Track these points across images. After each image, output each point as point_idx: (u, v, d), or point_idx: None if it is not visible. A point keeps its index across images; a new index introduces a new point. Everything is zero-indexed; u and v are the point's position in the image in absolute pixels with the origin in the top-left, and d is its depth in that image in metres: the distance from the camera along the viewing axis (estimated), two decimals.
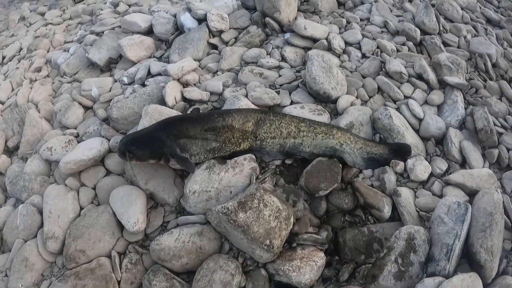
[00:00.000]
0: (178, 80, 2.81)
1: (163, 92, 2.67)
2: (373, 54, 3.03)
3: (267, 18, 3.26)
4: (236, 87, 2.75)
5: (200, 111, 2.56)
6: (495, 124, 2.56)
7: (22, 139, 2.77)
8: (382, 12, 3.51)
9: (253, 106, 2.49)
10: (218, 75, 2.96)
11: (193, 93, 2.68)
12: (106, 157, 2.44)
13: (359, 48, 3.10)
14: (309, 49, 3.11)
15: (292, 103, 2.64)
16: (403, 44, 3.15)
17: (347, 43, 3.14)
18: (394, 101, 2.69)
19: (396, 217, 2.11)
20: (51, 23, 4.04)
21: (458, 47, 3.24)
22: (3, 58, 3.80)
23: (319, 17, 3.54)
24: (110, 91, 3.07)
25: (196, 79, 2.86)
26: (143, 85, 2.98)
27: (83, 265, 2.02)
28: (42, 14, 4.28)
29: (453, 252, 1.75)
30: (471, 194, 2.15)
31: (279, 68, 2.95)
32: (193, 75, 2.88)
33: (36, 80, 3.37)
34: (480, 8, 3.74)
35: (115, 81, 3.13)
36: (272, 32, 3.31)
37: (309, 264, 1.89)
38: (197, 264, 1.96)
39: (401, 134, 2.36)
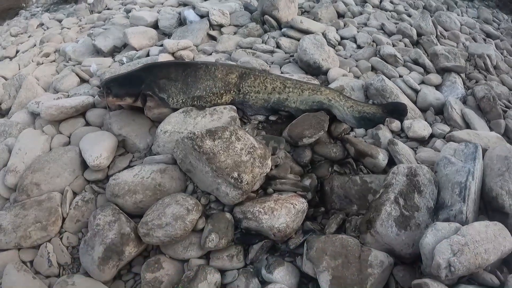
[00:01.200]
0: (173, 54, 2.73)
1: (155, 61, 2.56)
2: (367, 44, 2.91)
3: (266, 16, 3.27)
4: (225, 60, 2.62)
5: None
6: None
7: (15, 101, 2.66)
8: (380, 19, 3.49)
9: None
10: (212, 55, 2.87)
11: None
12: (88, 110, 2.26)
13: (355, 41, 3.01)
14: None
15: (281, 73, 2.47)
16: (400, 40, 3.04)
17: (342, 38, 3.08)
18: (389, 78, 2.49)
19: None
20: (67, 28, 4.20)
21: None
22: (17, 52, 3.88)
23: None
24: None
25: (190, 56, 2.78)
26: None
27: (33, 197, 1.72)
28: (60, 21, 4.48)
29: (467, 190, 1.40)
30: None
31: (272, 52, 2.85)
32: (188, 53, 2.80)
33: (42, 63, 3.37)
34: (479, 25, 3.68)
35: (115, 61, 3.08)
36: (270, 29, 3.29)
37: (285, 206, 1.54)
38: (152, 204, 1.64)
39: (394, 94, 2.14)
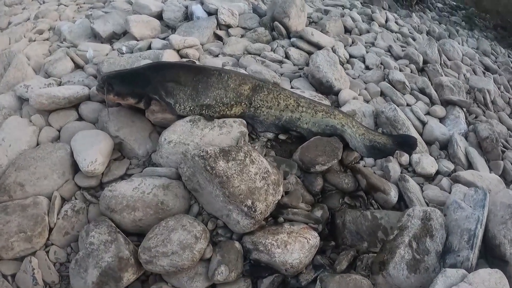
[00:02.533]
0: (178, 51, 2.52)
1: (159, 57, 2.35)
2: (375, 67, 2.83)
3: (276, 22, 3.11)
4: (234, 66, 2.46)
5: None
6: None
7: (2, 79, 2.37)
8: (387, 41, 3.42)
9: None
10: (219, 58, 2.69)
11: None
12: (82, 103, 2.03)
13: (363, 61, 2.92)
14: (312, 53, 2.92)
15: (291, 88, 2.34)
16: (406, 65, 2.97)
17: (351, 56, 2.97)
18: (397, 106, 2.42)
19: (403, 207, 1.70)
20: (64, 5, 3.85)
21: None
22: (9, 23, 3.51)
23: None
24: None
25: (196, 56, 2.59)
26: None
27: (17, 200, 1.50)
28: None
29: (476, 238, 1.35)
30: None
31: (281, 62, 2.70)
32: (193, 51, 2.61)
33: (35, 40, 3.05)
34: (478, 57, 3.70)
35: (113, 49, 2.83)
36: (278, 36, 3.14)
37: (299, 241, 1.43)
38: (153, 224, 1.47)
39: (406, 126, 2.07)
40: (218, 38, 3.07)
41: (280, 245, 1.39)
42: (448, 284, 1.22)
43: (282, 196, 1.60)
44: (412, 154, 1.98)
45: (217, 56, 2.74)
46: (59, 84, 2.31)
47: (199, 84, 1.83)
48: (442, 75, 2.94)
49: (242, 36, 3.11)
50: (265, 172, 1.53)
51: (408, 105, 2.42)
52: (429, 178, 1.92)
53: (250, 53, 2.80)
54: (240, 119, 1.90)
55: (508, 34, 4.57)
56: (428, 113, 2.47)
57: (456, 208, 1.51)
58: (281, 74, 2.52)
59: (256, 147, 1.81)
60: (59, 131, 1.92)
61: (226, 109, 1.90)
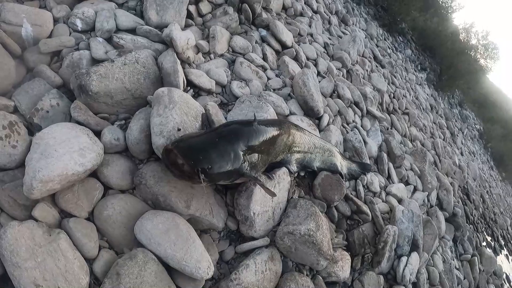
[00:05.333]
0: (177, 54, 2.46)
1: (170, 69, 2.29)
2: (325, 73, 3.66)
3: (245, 5, 3.25)
4: (241, 83, 2.71)
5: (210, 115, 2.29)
6: None
7: None
8: (319, 30, 4.17)
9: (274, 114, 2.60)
10: (211, 59, 2.76)
11: (202, 78, 2.47)
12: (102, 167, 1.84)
13: (315, 65, 3.64)
14: (278, 52, 3.39)
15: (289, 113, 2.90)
16: (339, 69, 3.94)
17: (308, 58, 3.60)
18: (347, 123, 3.45)
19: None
20: None
21: (363, 77, 4.36)
22: None
23: (271, 15, 3.79)
24: (51, 34, 2.26)
25: (198, 59, 2.59)
26: (111, 41, 2.39)
27: None
28: None
29: (410, 239, 2.84)
30: (399, 200, 3.26)
31: (264, 69, 3.07)
32: (192, 53, 2.58)
33: None
34: (370, 49, 5.04)
35: (57, 20, 2.32)
36: (245, 21, 3.32)
37: (346, 262, 2.41)
38: None
39: (365, 154, 3.18)
40: (189, 15, 2.93)
41: (340, 269, 2.33)
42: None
43: None
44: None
45: (208, 54, 2.77)
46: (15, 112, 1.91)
47: (268, 145, 2.17)
48: (361, 80, 4.12)
49: (210, 13, 3.09)
50: (326, 224, 2.31)
51: (355, 125, 3.50)
52: (376, 194, 3.20)
53: (235, 52, 2.97)
54: (284, 169, 2.42)
55: (388, 16, 6.06)
56: (360, 125, 3.65)
57: (400, 223, 2.88)
58: (273, 90, 2.97)
59: (295, 192, 2.49)
60: (88, 219, 1.76)
61: (273, 159, 2.36)
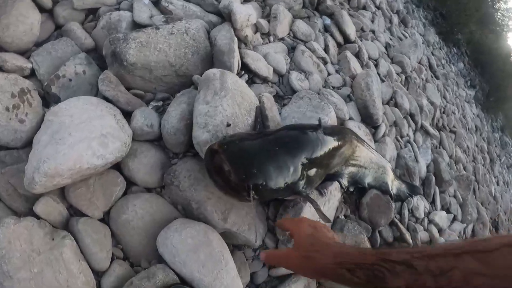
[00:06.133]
0: (235, 30, 1.92)
1: (224, 46, 1.75)
2: (385, 77, 3.05)
3: None
4: (300, 75, 2.15)
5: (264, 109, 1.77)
6: None
7: None
8: (381, 28, 3.52)
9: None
10: (269, 41, 2.20)
11: (260, 63, 1.92)
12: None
13: (376, 66, 3.04)
14: (340, 46, 2.79)
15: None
16: (398, 73, 3.31)
17: (369, 57, 2.99)
18: (401, 137, 2.87)
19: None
20: None
21: (419, 87, 3.71)
22: None
23: (334, 3, 3.16)
24: None
25: (256, 40, 2.04)
26: (158, 5, 1.88)
27: None
28: None
29: None
30: (440, 230, 2.70)
31: (324, 62, 2.50)
32: (251, 32, 2.03)
33: None
34: (427, 58, 4.35)
35: None
36: (308, 5, 2.71)
37: None
38: None
39: (417, 175, 2.60)
40: None
41: None
42: None
43: None
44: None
45: (267, 35, 2.21)
46: (31, 75, 1.41)
47: (329, 158, 1.65)
48: (417, 89, 3.47)
49: None
50: None
51: (408, 140, 2.90)
52: (418, 220, 2.64)
53: (296, 38, 2.40)
54: (336, 183, 1.89)
55: (445, 24, 5.28)
56: (414, 140, 3.05)
57: None
58: (333, 88, 2.40)
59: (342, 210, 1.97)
60: (103, 220, 1.29)
61: (328, 171, 1.84)
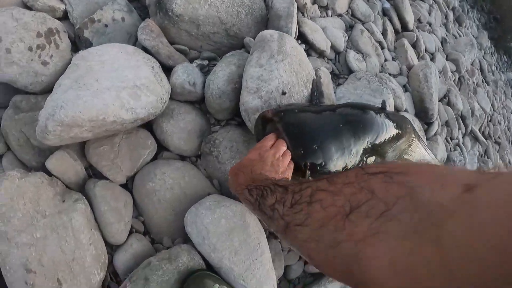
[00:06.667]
0: None
1: (283, 10, 1.44)
2: (440, 73, 2.63)
3: None
4: (358, 55, 1.80)
5: (320, 85, 1.47)
6: None
7: None
8: (437, 22, 3.07)
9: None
10: (327, 15, 1.86)
11: (318, 35, 1.59)
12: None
13: (432, 60, 2.63)
14: (397, 33, 2.40)
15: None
16: (453, 72, 2.88)
17: (426, 49, 2.58)
18: (451, 138, 2.47)
19: None
20: None
21: (470, 90, 3.26)
22: None
23: None
24: None
25: (314, 11, 1.70)
26: None
27: None
28: None
29: None
30: None
31: (381, 47, 2.13)
32: (309, 2, 1.69)
33: None
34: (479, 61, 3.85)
35: None
36: None
37: None
38: None
39: None
40: None
41: None
42: None
43: None
44: None
45: (326, 9, 1.87)
46: (64, 17, 1.14)
47: (391, 149, 1.33)
48: (469, 92, 3.03)
49: None
50: None
51: (458, 143, 2.50)
52: None
53: (354, 16, 2.04)
54: None
55: (500, 29, 4.71)
56: (462, 144, 2.65)
57: None
58: (390, 75, 2.03)
59: None
60: (125, 186, 1.04)
61: None
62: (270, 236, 1.24)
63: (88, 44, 1.17)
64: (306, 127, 0.92)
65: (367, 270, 0.36)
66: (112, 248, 0.99)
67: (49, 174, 0.91)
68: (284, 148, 0.87)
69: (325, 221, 0.43)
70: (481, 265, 0.25)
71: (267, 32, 1.23)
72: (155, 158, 1.06)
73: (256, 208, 0.62)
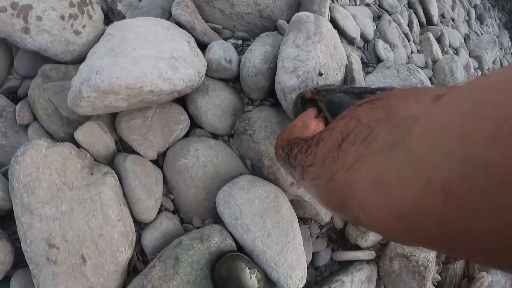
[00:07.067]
0: None
1: None
2: (464, 68, 2.55)
3: None
4: (386, 44, 1.74)
5: (352, 70, 1.41)
6: None
7: None
8: (460, 18, 2.99)
9: None
10: (355, 4, 1.81)
11: (348, 22, 1.54)
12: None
13: (456, 54, 2.55)
14: (422, 26, 2.33)
15: None
16: (475, 69, 2.80)
17: (450, 44, 2.51)
18: None
19: None
20: None
21: None
22: None
23: None
24: None
25: (343, 0, 1.65)
26: None
27: None
28: None
29: None
30: None
31: (407, 39, 2.06)
32: None
33: None
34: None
35: None
36: None
37: None
38: None
39: None
40: None
41: None
42: None
43: None
44: None
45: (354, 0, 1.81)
46: None
47: None
48: None
49: None
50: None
51: None
52: None
53: (381, 6, 1.99)
54: None
55: None
56: None
57: (494, 274, 1.93)
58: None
59: None
60: (156, 162, 1.00)
61: None
62: (299, 221, 1.20)
63: (121, 17, 1.13)
64: (348, 106, 0.87)
65: (355, 194, 0.35)
66: (140, 226, 0.95)
67: (78, 145, 0.87)
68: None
69: (326, 157, 0.44)
70: (446, 154, 0.25)
71: (303, 14, 1.18)
72: (187, 135, 1.02)
73: (286, 162, 0.63)
